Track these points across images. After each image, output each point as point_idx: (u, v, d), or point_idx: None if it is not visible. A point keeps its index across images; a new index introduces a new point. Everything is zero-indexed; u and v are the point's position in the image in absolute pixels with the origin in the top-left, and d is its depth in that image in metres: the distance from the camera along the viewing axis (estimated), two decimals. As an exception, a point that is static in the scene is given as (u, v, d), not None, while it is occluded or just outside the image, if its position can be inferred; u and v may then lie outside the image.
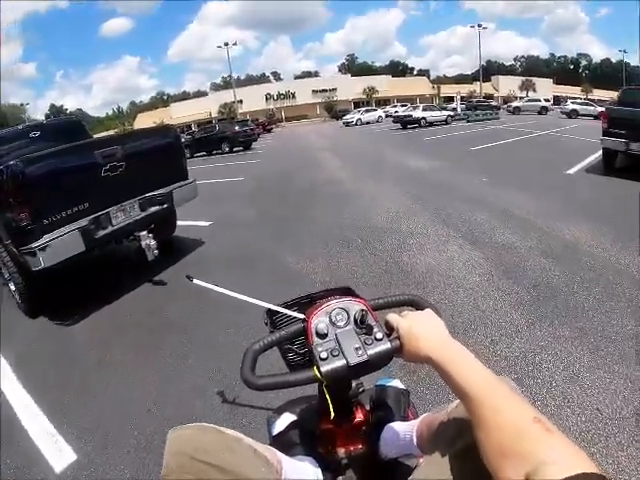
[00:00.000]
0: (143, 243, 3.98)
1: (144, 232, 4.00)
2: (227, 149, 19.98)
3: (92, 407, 2.45)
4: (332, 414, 0.85)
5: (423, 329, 0.77)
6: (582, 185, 6.63)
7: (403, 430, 1.00)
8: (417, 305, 0.93)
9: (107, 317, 3.67)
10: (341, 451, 0.97)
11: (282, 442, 1.05)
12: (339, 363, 0.77)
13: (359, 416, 0.99)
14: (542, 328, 2.61)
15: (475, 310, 2.93)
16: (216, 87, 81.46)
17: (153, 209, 4.19)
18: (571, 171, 7.62)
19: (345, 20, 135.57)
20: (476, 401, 0.62)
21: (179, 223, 5.24)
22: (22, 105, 68.12)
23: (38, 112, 79.14)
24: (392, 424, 1.04)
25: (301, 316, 0.88)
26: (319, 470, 0.95)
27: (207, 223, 6.21)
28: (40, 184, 3.29)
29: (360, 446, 0.98)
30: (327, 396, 0.85)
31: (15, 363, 3.18)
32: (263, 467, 0.79)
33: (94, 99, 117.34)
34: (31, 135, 5.10)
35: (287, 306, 1.00)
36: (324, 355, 0.78)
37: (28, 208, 3.22)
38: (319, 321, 0.83)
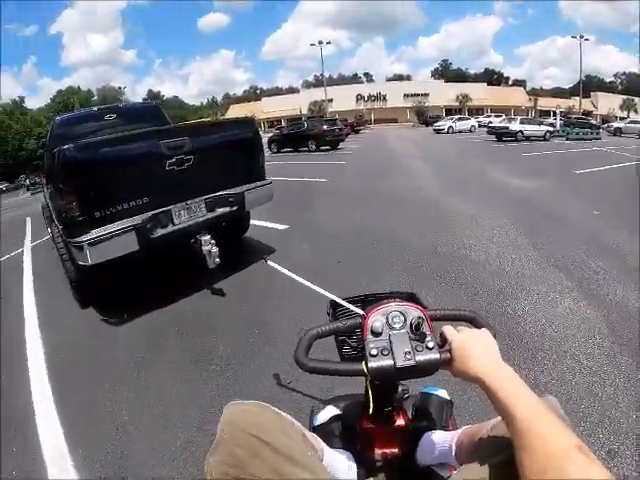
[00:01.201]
0: (204, 249, 3.51)
1: (207, 237, 3.53)
2: (314, 147, 19.65)
3: (111, 434, 2.20)
4: (371, 409, 0.89)
5: (476, 348, 0.77)
6: None
7: (442, 439, 1.01)
8: (475, 323, 0.92)
9: (156, 322, 3.42)
10: (377, 452, 1.00)
11: (324, 432, 1.07)
12: (387, 362, 0.79)
13: (400, 420, 1.01)
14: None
15: (589, 398, 2.09)
16: (307, 85, 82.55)
17: (221, 211, 3.72)
18: None
19: (440, 25, 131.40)
20: (521, 425, 0.63)
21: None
22: (120, 88, 71.98)
23: (137, 96, 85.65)
24: (432, 432, 1.05)
25: (360, 312, 0.90)
26: (354, 465, 0.98)
27: (283, 226, 5.66)
28: (93, 173, 2.94)
29: (396, 450, 1.00)
30: (370, 392, 0.90)
31: (51, 353, 3.20)
32: (310, 452, 0.81)
33: (190, 88, 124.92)
34: (105, 118, 4.88)
35: (351, 301, 1.00)
36: (374, 352, 0.80)
37: (77, 198, 2.90)
38: (376, 319, 0.85)
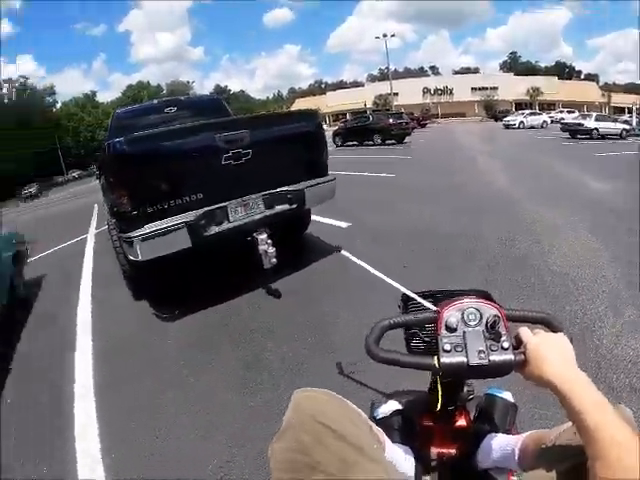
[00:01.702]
0: (260, 248, 3.29)
1: (263, 235, 3.30)
2: (379, 141, 19.21)
3: (148, 438, 2.11)
4: (439, 406, 0.88)
5: (551, 352, 0.74)
6: None
7: (505, 443, 0.98)
8: (551, 326, 0.87)
9: (208, 320, 3.30)
10: (434, 451, 0.98)
11: (384, 426, 1.03)
12: (459, 359, 0.77)
13: (461, 421, 0.99)
14: None
15: None
16: (372, 78, 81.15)
17: (280, 208, 3.48)
18: None
19: (508, 16, 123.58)
20: (596, 434, 0.61)
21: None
22: (188, 83, 75.23)
23: (205, 91, 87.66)
24: (494, 435, 1.02)
25: (434, 307, 0.87)
26: (413, 461, 0.97)
27: (345, 224, 5.33)
28: (144, 167, 2.83)
29: (453, 451, 0.98)
30: (439, 388, 0.88)
31: (99, 343, 3.22)
32: (375, 444, 0.79)
33: (256, 83, 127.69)
34: (166, 111, 4.80)
35: (423, 296, 0.96)
36: (447, 347, 0.79)
37: (128, 192, 2.79)
38: (451, 315, 0.83)
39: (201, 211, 3.03)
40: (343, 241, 4.66)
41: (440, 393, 0.88)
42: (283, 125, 3.67)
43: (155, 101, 5.37)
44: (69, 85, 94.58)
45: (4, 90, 52.92)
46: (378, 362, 0.83)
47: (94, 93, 67.03)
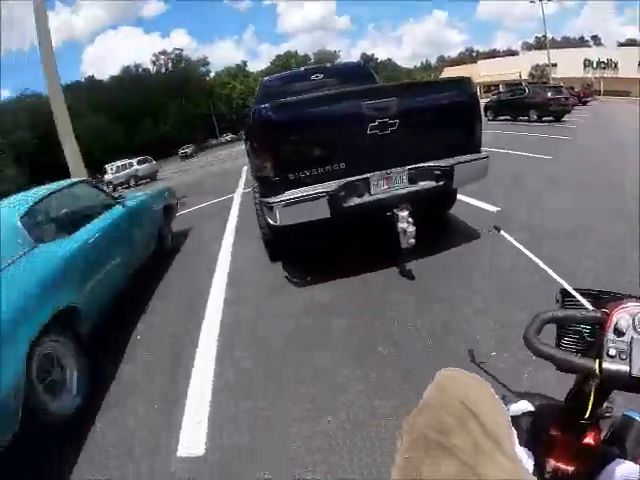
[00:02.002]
0: (399, 226, 3.10)
1: (404, 213, 3.09)
2: (535, 117, 17.10)
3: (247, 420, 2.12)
4: (588, 413, 0.81)
5: None
6: None
7: (630, 472, 0.87)
8: None
9: (335, 292, 3.25)
10: (551, 463, 0.90)
11: (514, 425, 0.89)
12: (622, 367, 0.70)
13: (590, 438, 0.88)
14: None
15: None
16: (528, 47, 73.50)
17: (424, 184, 3.22)
18: None
19: None
20: None
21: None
22: (335, 52, 76.36)
23: (351, 59, 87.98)
24: (622, 461, 0.89)
25: (589, 306, 0.85)
26: (532, 467, 0.91)
27: (493, 208, 4.65)
28: (288, 134, 2.84)
29: (572, 468, 0.89)
30: (592, 394, 0.80)
31: (229, 305, 3.37)
32: (512, 440, 0.72)
33: (403, 50, 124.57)
34: (312, 78, 4.77)
35: (582, 293, 0.93)
36: (613, 352, 0.72)
37: (272, 158, 2.83)
38: (622, 317, 0.74)
39: (343, 181, 2.95)
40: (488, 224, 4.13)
41: (592, 398, 0.80)
42: (434, 94, 3.37)
43: (302, 69, 5.41)
44: (221, 56, 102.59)
45: (160, 62, 60.03)
46: (534, 354, 0.78)
47: (245, 63, 72.55)
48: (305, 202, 2.84)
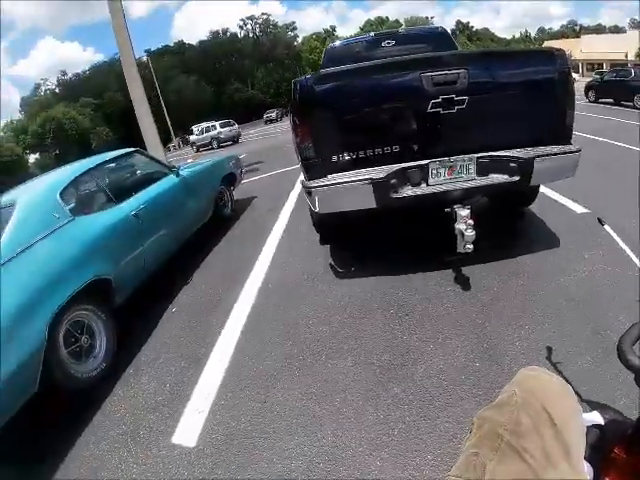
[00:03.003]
0: (457, 227, 2.59)
1: (466, 211, 2.57)
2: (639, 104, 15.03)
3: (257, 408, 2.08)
4: None
5: None
6: None
7: None
8: None
9: (375, 288, 2.95)
10: None
11: None
12: None
13: None
14: None
15: None
16: (636, 25, 64.82)
17: (496, 178, 2.66)
18: None
19: None
20: None
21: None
22: (427, 18, 72.42)
23: (446, 27, 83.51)
24: None
25: None
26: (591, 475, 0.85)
27: (581, 209, 3.81)
28: (331, 109, 2.52)
29: None
30: None
31: (267, 283, 3.35)
32: (579, 451, 0.69)
33: (502, 20, 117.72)
34: (383, 45, 4.31)
35: None
36: None
37: (312, 136, 2.53)
38: None
39: (395, 167, 2.55)
40: (577, 232, 3.33)
41: None
42: (515, 67, 2.73)
43: (372, 34, 4.87)
44: (310, 23, 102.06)
45: (248, 27, 61.41)
46: (624, 365, 0.72)
47: (333, 28, 71.53)
48: (347, 189, 2.51)
